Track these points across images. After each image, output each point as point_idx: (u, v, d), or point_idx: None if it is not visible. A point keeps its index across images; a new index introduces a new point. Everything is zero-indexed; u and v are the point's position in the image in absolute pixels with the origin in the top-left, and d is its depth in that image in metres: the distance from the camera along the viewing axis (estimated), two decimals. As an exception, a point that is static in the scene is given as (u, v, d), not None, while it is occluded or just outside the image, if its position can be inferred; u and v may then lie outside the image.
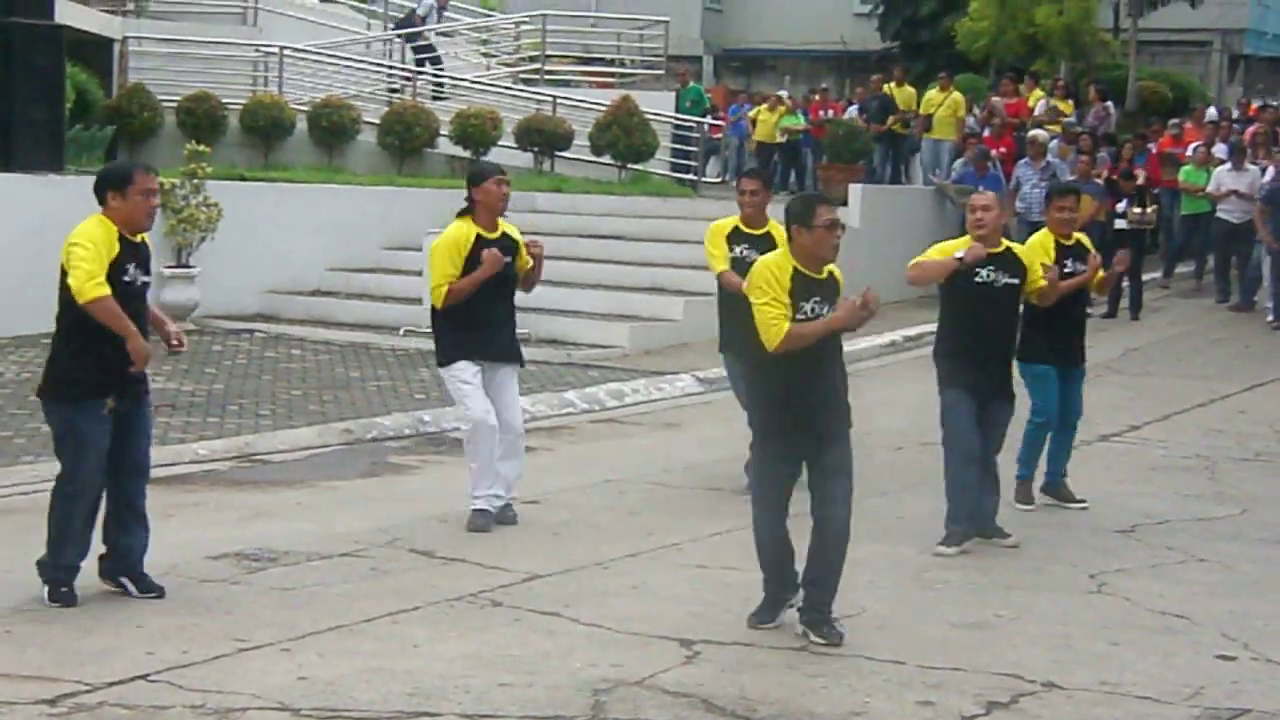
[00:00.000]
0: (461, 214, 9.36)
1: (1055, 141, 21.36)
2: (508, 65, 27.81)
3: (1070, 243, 10.10)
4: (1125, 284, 19.27)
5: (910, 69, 30.00)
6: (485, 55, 28.72)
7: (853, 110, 26.01)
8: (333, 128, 21.75)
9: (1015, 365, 9.64)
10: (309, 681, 6.54)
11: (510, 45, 28.86)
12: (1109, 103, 24.90)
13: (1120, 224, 19.33)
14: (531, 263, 9.45)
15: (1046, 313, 9.73)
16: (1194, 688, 6.81)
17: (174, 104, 21.30)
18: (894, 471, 11.12)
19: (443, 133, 22.05)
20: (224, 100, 21.56)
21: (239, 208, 17.28)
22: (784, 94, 28.37)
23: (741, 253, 10.09)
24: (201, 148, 17.19)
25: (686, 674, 6.80)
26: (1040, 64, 28.22)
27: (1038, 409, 10.08)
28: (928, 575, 8.59)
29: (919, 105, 24.63)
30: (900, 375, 15.06)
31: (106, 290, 7.34)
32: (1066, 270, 9.92)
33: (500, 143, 22.15)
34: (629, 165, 22.51)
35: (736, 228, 10.40)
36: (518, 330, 9.75)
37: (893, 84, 25.54)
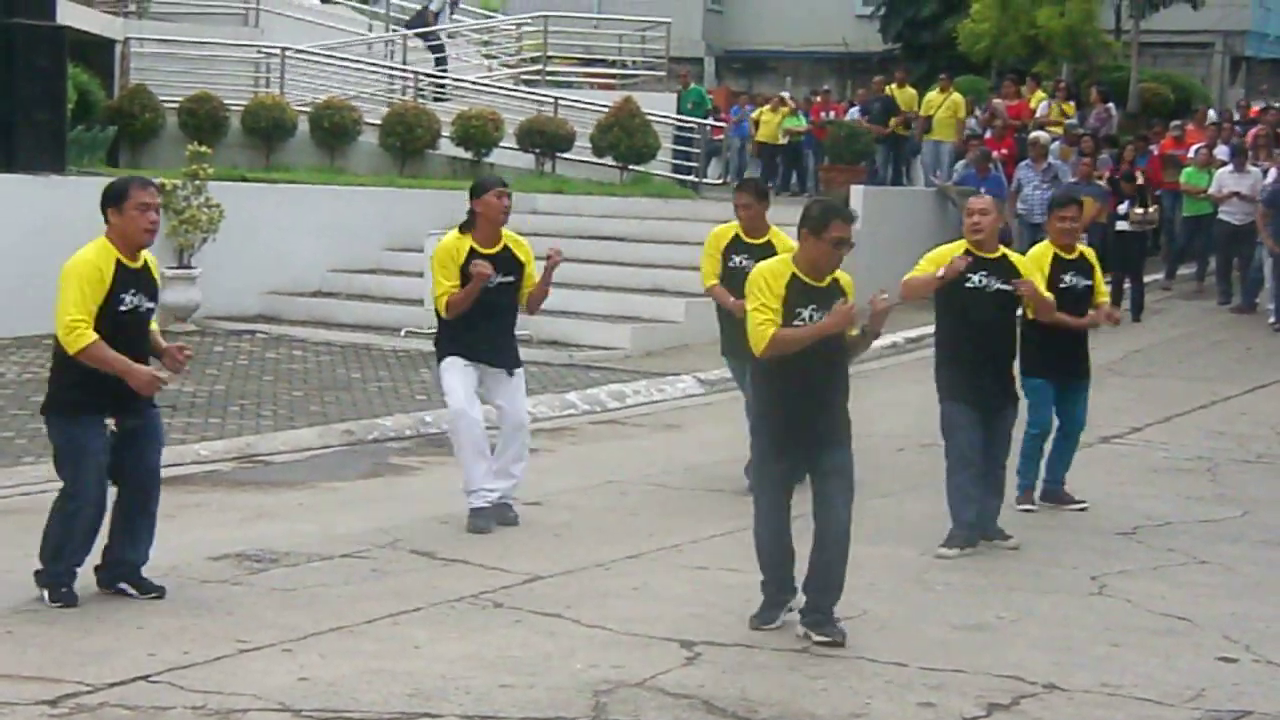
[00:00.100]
0: (462, 227, 9.38)
1: (1057, 143, 21.36)
2: (509, 66, 27.82)
3: (1072, 256, 9.99)
4: (1127, 285, 19.31)
5: (912, 70, 30.01)
6: (487, 56, 28.74)
7: (854, 112, 26.03)
8: (334, 129, 21.76)
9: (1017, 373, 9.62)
10: (310, 682, 6.54)
11: (512, 46, 28.87)
12: (1110, 104, 24.89)
13: (1122, 225, 19.33)
14: (538, 279, 9.45)
15: (1044, 326, 9.67)
16: (1195, 690, 6.81)
17: (175, 105, 21.31)
18: (895, 473, 11.11)
19: (444, 134, 22.06)
20: (225, 101, 21.56)
21: (240, 209, 17.29)
22: (786, 95, 28.40)
23: (740, 263, 10.07)
24: (203, 149, 17.20)
25: (687, 675, 6.80)
26: (1042, 66, 28.21)
27: (1032, 421, 10.03)
28: (929, 577, 8.59)
29: (920, 107, 24.65)
30: (902, 377, 15.07)
31: (90, 338, 7.28)
32: (1063, 285, 9.86)
33: (502, 144, 22.17)
34: (630, 167, 22.52)
35: (737, 235, 10.44)
36: (519, 331, 9.76)
37: (895, 85, 25.56)
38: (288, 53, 23.10)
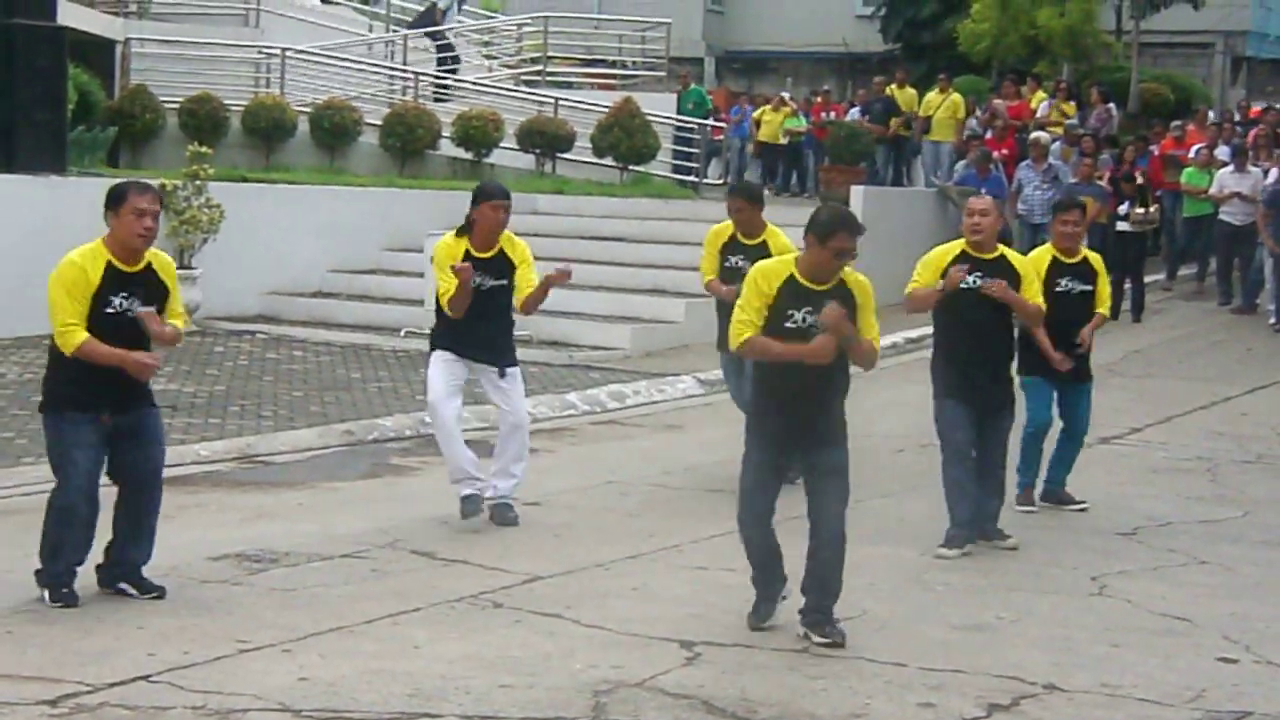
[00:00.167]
0: (459, 230, 9.44)
1: (1057, 144, 21.35)
2: (509, 67, 27.84)
3: (1073, 260, 9.98)
4: (1127, 286, 19.31)
5: (912, 71, 30.01)
6: (487, 57, 28.75)
7: (855, 112, 26.03)
8: (334, 129, 21.76)
9: (1016, 375, 9.62)
10: (310, 682, 6.54)
11: (512, 47, 28.90)
12: (1111, 105, 24.89)
13: (1123, 226, 19.33)
14: (536, 281, 9.47)
15: (1044, 326, 9.63)
16: (1195, 690, 6.81)
17: (176, 105, 21.32)
18: (895, 473, 11.11)
19: (444, 134, 22.06)
20: (226, 102, 21.57)
21: (241, 209, 17.28)
22: (786, 95, 28.41)
23: (736, 263, 10.19)
24: (203, 149, 17.18)
25: (687, 675, 6.80)
26: (1042, 66, 28.22)
27: (1029, 418, 10.04)
28: (928, 577, 8.59)
29: (920, 107, 24.66)
30: (901, 377, 15.05)
31: (82, 337, 7.30)
32: (1059, 289, 9.85)
33: (502, 144, 22.18)
34: (630, 167, 22.53)
35: (734, 235, 10.57)
36: (520, 331, 9.78)
37: (895, 86, 25.56)
38: (288, 53, 23.10)
